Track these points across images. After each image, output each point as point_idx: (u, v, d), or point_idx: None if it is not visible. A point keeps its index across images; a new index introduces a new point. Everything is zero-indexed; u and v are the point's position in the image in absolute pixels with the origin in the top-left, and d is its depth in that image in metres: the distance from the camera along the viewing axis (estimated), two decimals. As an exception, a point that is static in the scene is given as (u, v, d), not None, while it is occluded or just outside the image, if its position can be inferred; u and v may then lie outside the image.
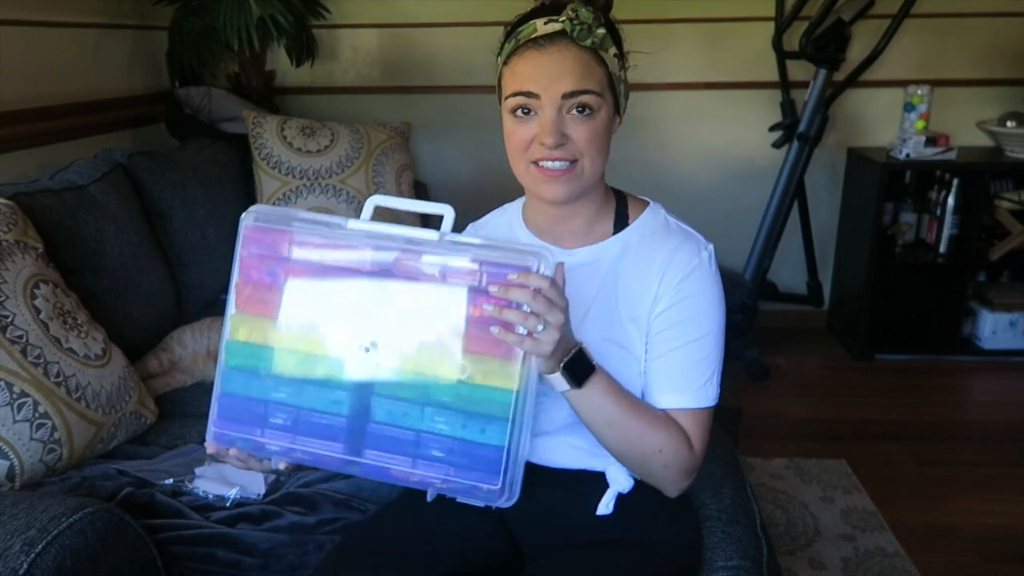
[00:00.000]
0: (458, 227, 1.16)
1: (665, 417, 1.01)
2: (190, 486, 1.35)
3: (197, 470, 1.40)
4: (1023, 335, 3.00)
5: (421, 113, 3.11)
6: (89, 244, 1.72)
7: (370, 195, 2.46)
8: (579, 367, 0.92)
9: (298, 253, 0.90)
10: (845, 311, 3.21)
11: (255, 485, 1.36)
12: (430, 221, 2.99)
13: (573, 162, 0.97)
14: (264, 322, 0.91)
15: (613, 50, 0.98)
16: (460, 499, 0.92)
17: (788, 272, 3.21)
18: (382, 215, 0.89)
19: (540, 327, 0.84)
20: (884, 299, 3.03)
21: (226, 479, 1.37)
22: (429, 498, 0.92)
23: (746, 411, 2.50)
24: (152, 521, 1.22)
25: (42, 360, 1.36)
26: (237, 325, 0.92)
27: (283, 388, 0.91)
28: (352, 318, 0.89)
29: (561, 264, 0.87)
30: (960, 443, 2.47)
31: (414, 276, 0.87)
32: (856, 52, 2.82)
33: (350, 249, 0.88)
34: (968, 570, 1.88)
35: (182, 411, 1.71)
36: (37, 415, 1.33)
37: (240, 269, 0.92)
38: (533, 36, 0.96)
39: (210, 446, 0.95)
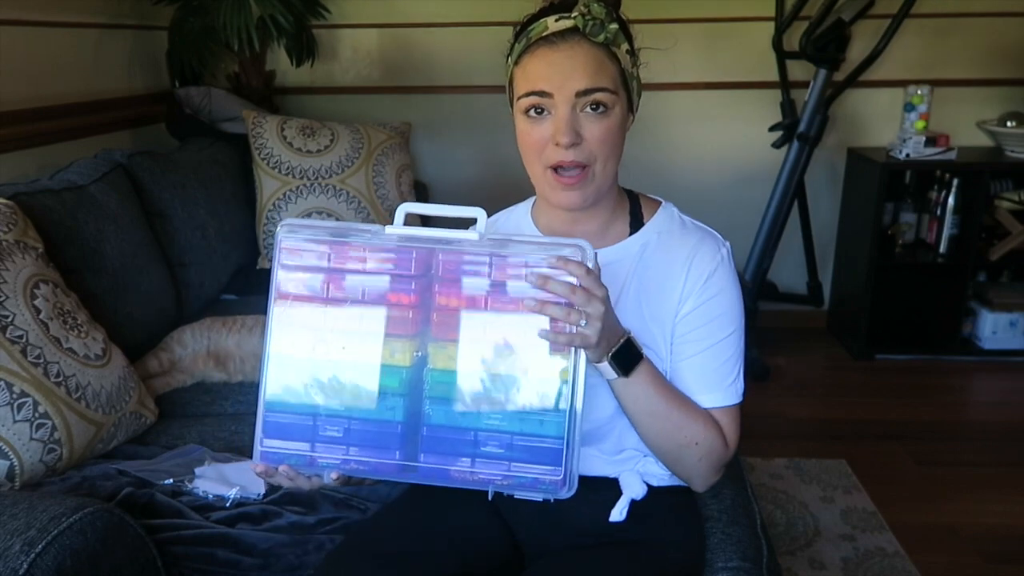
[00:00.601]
0: (463, 226, 1.17)
1: (703, 411, 1.02)
2: (190, 486, 1.35)
3: (197, 470, 1.40)
4: (1023, 335, 3.00)
5: (421, 113, 3.10)
6: (89, 244, 1.72)
7: (370, 195, 2.47)
8: (626, 356, 0.93)
9: (337, 263, 0.89)
10: (845, 311, 3.21)
11: (255, 485, 1.36)
12: (430, 221, 2.99)
13: (585, 167, 0.96)
14: (307, 335, 0.90)
15: (625, 46, 0.97)
16: (519, 494, 0.92)
17: (788, 272, 3.21)
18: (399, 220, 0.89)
19: (583, 322, 0.85)
20: (884, 299, 3.03)
21: (226, 479, 1.37)
22: (490, 496, 0.93)
23: (746, 411, 2.49)
24: (152, 521, 1.22)
25: (42, 360, 1.36)
26: (279, 339, 0.91)
27: (333, 400, 0.90)
28: (399, 325, 0.88)
29: (594, 252, 0.87)
30: (960, 443, 2.47)
31: (457, 278, 0.87)
32: (856, 52, 2.82)
33: (389, 256, 0.88)
34: (968, 570, 1.88)
35: (182, 411, 1.71)
36: (37, 415, 1.33)
37: (278, 283, 0.91)
38: (545, 34, 0.95)
39: (258, 466, 0.93)
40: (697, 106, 3.12)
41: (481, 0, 2.89)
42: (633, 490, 1.05)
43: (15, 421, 1.30)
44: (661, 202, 1.10)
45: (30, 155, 2.12)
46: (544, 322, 0.86)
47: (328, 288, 0.89)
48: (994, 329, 3.00)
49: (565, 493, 0.89)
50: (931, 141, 2.83)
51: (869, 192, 2.92)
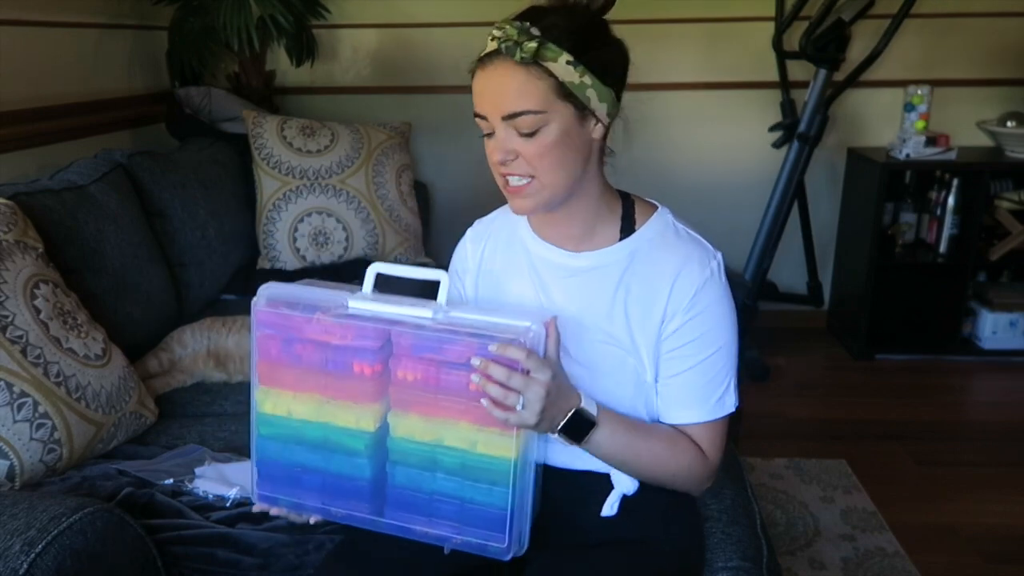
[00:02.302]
0: (464, 225, 1.17)
1: (676, 437, 1.02)
2: (190, 486, 1.35)
3: (197, 470, 1.40)
4: (1023, 335, 3.00)
5: (421, 113, 3.10)
6: (89, 244, 1.72)
7: (370, 195, 2.47)
8: (576, 427, 0.94)
9: (308, 332, 0.95)
10: (845, 311, 3.21)
11: (255, 485, 1.36)
12: (430, 221, 2.98)
13: (532, 177, 0.97)
14: (285, 395, 0.98)
15: (565, 57, 0.93)
16: (473, 552, 0.97)
17: (788, 272, 3.21)
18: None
19: (519, 405, 0.87)
20: (884, 299, 3.03)
21: (226, 479, 1.37)
22: (446, 551, 0.98)
23: (746, 411, 2.48)
24: (152, 521, 1.22)
25: (42, 360, 1.36)
26: (263, 399, 1.00)
27: (311, 455, 0.99)
28: (363, 394, 0.95)
29: (553, 320, 0.91)
30: (960, 443, 2.47)
31: (412, 355, 0.92)
32: (856, 52, 2.82)
33: (353, 328, 0.93)
34: (968, 570, 1.88)
35: (182, 411, 1.71)
36: (37, 415, 1.33)
37: (258, 349, 0.98)
38: (481, 55, 0.96)
39: (257, 507, 1.04)
40: (697, 106, 3.12)
41: (481, 0, 2.89)
42: (624, 485, 1.05)
43: (15, 421, 1.30)
44: (657, 207, 1.09)
45: (30, 155, 2.12)
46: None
47: (300, 356, 0.96)
48: (994, 329, 3.00)
49: (511, 555, 0.95)
50: (931, 141, 2.83)
51: (869, 192, 2.92)
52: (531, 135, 0.95)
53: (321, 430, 0.97)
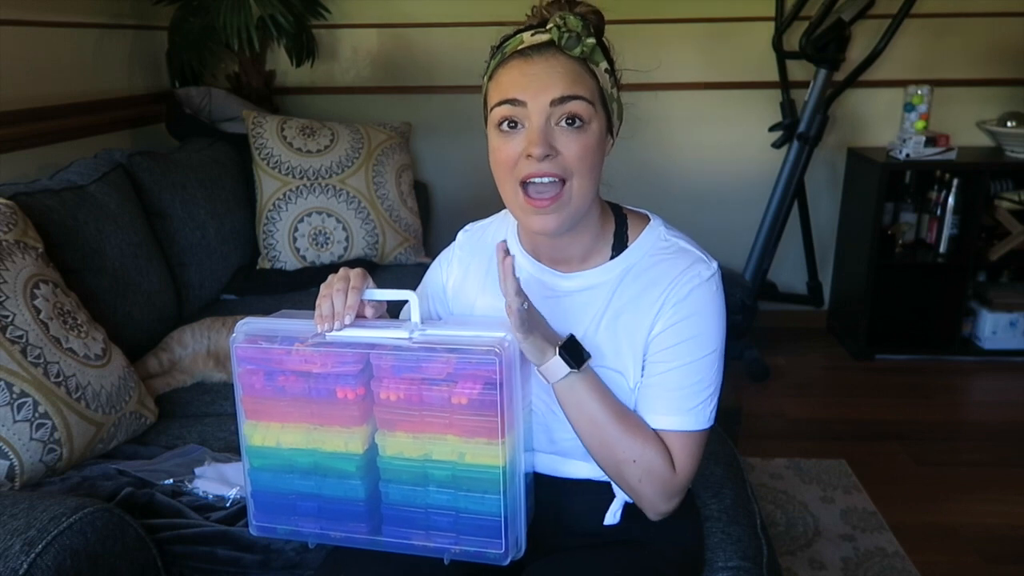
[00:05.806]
0: (456, 226, 1.17)
1: (650, 432, 0.98)
2: (190, 486, 1.35)
3: (197, 470, 1.40)
4: (1023, 335, 3.00)
5: (421, 113, 3.11)
6: (89, 244, 1.72)
7: (370, 195, 2.47)
8: (576, 351, 0.94)
9: (289, 364, 0.97)
10: (845, 311, 3.21)
11: (255, 485, 1.35)
12: (430, 221, 2.98)
13: (562, 181, 0.91)
14: (272, 427, 1.01)
15: (604, 65, 0.93)
16: (473, 560, 0.98)
17: (788, 272, 3.21)
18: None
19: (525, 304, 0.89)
20: (884, 299, 3.03)
21: (226, 479, 1.37)
22: (446, 562, 0.99)
23: (746, 411, 2.49)
24: (152, 521, 1.22)
25: (42, 360, 1.36)
26: (251, 432, 1.02)
27: (304, 482, 1.01)
28: (348, 418, 0.97)
29: (509, 258, 0.91)
30: (960, 443, 2.47)
31: (392, 375, 0.94)
32: (856, 52, 2.83)
33: (333, 355, 0.95)
34: (968, 570, 1.88)
35: (182, 411, 1.71)
36: (37, 415, 1.33)
37: (241, 384, 1.01)
38: (520, 48, 0.91)
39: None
40: (697, 106, 3.12)
41: (481, 0, 2.89)
42: (624, 492, 1.04)
43: (15, 421, 1.30)
44: (649, 219, 1.05)
45: (30, 155, 2.12)
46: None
47: (283, 388, 0.98)
48: (994, 329, 3.00)
49: (510, 559, 0.97)
50: (931, 141, 2.83)
51: (869, 192, 2.92)
52: (578, 129, 0.90)
53: (312, 456, 0.99)
